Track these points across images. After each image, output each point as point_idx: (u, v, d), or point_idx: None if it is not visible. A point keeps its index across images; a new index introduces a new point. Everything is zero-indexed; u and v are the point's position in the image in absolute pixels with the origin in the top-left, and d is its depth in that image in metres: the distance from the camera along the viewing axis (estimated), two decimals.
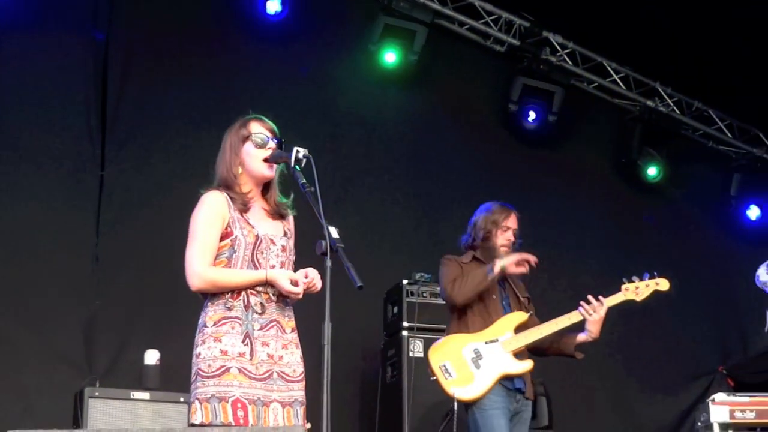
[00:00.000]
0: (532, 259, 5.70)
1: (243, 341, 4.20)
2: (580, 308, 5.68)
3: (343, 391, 7.62)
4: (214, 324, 4.22)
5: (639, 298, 5.76)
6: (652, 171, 9.99)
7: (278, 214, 4.45)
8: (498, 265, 5.64)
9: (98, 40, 8.00)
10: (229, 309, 4.23)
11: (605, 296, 5.73)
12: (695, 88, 9.95)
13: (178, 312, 7.14)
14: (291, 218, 4.53)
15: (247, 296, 4.25)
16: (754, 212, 10.46)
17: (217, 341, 4.19)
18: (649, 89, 9.95)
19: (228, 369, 4.15)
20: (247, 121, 4.45)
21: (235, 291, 4.25)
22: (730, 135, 10.34)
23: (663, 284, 5.80)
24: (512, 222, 5.88)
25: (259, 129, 4.42)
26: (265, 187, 4.46)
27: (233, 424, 4.06)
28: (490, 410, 5.50)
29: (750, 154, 10.35)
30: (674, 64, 9.51)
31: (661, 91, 9.96)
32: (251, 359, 4.19)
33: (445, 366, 5.62)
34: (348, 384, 8.02)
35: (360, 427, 8.15)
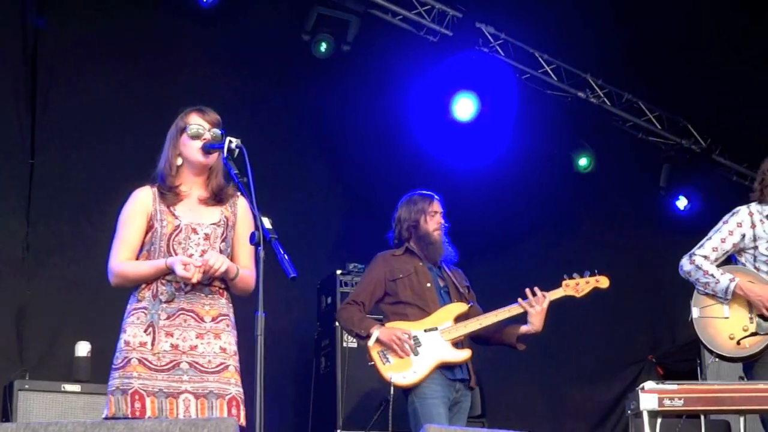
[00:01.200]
0: (407, 347, 5.61)
1: (145, 331, 4.20)
2: (520, 301, 5.72)
3: (277, 381, 7.60)
4: (127, 316, 4.28)
5: (579, 295, 5.82)
6: (583, 161, 10.09)
7: (217, 200, 4.42)
8: (372, 338, 5.64)
9: (38, 27, 7.86)
10: (140, 300, 4.27)
11: (544, 288, 5.78)
12: (625, 79, 10.06)
13: (109, 303, 7.04)
14: (239, 203, 4.47)
15: (157, 286, 4.27)
16: (682, 202, 10.61)
17: (123, 333, 4.24)
18: (580, 80, 10.03)
19: (129, 360, 4.17)
20: (187, 113, 4.45)
21: (148, 282, 4.26)
22: (659, 126, 10.46)
23: (603, 282, 5.88)
24: (437, 206, 5.94)
25: (197, 120, 4.40)
26: (208, 175, 4.45)
27: (130, 416, 4.05)
28: (430, 399, 5.53)
29: (679, 145, 10.48)
30: (604, 55, 9.60)
31: (592, 83, 10.05)
32: (152, 349, 4.18)
33: (383, 352, 5.63)
34: (282, 374, 8.01)
35: (294, 418, 8.14)
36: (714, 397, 5.14)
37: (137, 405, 4.09)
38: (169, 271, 4.22)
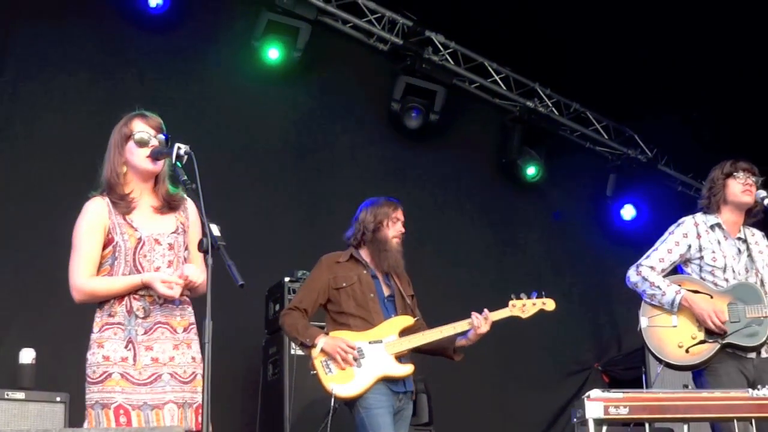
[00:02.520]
0: (350, 357, 5.59)
1: (126, 347, 4.17)
2: (474, 319, 5.71)
3: (224, 389, 7.54)
4: (99, 330, 4.21)
5: (525, 316, 5.82)
6: (531, 170, 10.16)
7: (169, 207, 4.40)
8: (317, 347, 5.61)
9: None
10: (111, 315, 4.21)
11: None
12: (574, 89, 10.15)
13: (54, 310, 7.03)
14: (189, 207, 4.46)
15: (130, 301, 4.22)
16: (628, 212, 10.72)
17: (100, 347, 4.17)
18: (529, 90, 10.12)
19: (110, 375, 4.13)
20: (130, 119, 4.40)
21: (118, 297, 4.21)
22: (606, 136, 10.59)
23: (549, 304, 5.87)
24: (401, 214, 5.92)
25: (142, 127, 4.36)
26: (155, 182, 4.41)
27: None
28: (376, 409, 5.51)
29: (625, 155, 10.61)
30: (553, 65, 9.68)
31: (541, 92, 10.14)
32: (134, 364, 4.16)
33: (326, 361, 5.61)
34: (229, 382, 7.95)
35: (241, 425, 8.09)
36: (659, 405, 5.18)
37: (123, 420, 4.07)
38: (143, 287, 4.21)
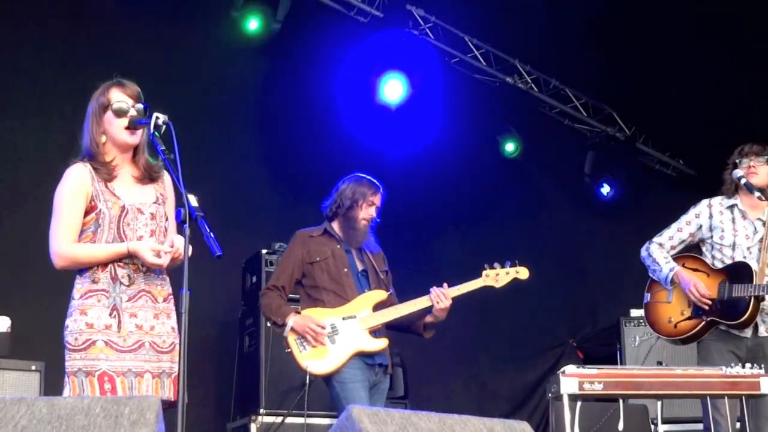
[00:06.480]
0: (321, 338, 5.59)
1: (110, 314, 4.16)
2: (432, 294, 5.71)
3: (201, 360, 7.55)
4: (81, 297, 4.18)
5: (498, 285, 5.82)
6: (510, 147, 10.18)
7: (149, 178, 4.39)
8: (287, 327, 5.61)
9: None
10: (95, 282, 4.19)
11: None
12: (553, 66, 10.15)
13: (29, 277, 7.00)
14: (166, 179, 4.44)
15: (114, 268, 4.21)
16: (606, 189, 10.76)
17: (83, 314, 4.15)
18: (509, 66, 10.10)
19: (94, 342, 4.11)
20: (107, 88, 4.36)
21: (101, 264, 4.20)
22: (585, 113, 10.60)
23: (523, 273, 5.88)
24: (378, 199, 5.87)
25: (119, 96, 4.32)
26: (135, 153, 4.39)
27: None
28: (350, 383, 5.52)
29: (603, 132, 10.63)
30: (533, 41, 9.67)
31: (521, 69, 10.12)
32: (119, 331, 4.15)
33: (300, 339, 5.61)
34: (205, 353, 7.95)
35: (216, 397, 8.10)
36: (632, 381, 5.25)
37: (107, 386, 4.07)
38: (128, 256, 4.19)
